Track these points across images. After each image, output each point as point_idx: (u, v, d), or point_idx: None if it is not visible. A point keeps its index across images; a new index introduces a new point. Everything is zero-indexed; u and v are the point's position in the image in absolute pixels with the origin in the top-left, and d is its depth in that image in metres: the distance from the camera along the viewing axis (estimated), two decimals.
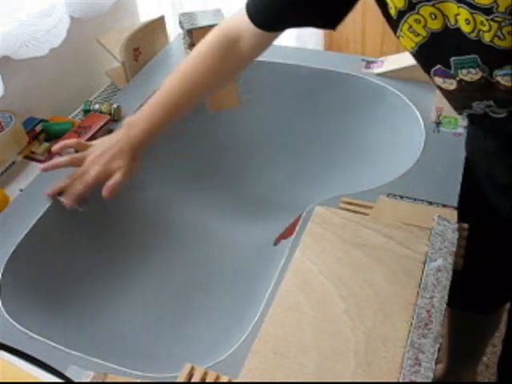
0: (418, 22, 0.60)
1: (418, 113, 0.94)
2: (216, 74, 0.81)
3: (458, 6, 0.55)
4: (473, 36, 0.56)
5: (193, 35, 1.06)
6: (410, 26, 0.61)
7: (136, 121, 0.81)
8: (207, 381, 0.57)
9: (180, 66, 0.82)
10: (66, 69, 1.11)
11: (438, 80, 0.66)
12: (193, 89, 0.81)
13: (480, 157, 0.83)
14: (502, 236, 0.87)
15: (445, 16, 0.58)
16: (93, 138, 0.90)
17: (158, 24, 1.16)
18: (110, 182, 0.77)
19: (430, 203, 0.77)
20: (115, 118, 0.97)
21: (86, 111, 1.00)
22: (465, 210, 0.76)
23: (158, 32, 1.16)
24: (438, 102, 0.91)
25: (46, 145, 0.94)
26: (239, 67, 0.83)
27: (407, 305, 0.63)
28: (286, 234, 0.84)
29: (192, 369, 0.58)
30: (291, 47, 1.29)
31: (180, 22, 1.11)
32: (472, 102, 0.66)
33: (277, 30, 0.76)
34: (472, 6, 0.53)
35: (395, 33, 0.64)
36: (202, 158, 1.11)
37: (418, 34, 0.61)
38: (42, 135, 0.97)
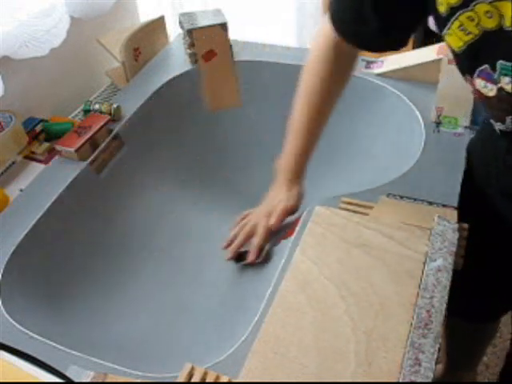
0: (471, 19, 0.56)
1: (418, 113, 0.94)
2: (337, 85, 0.83)
3: None
4: None
5: (193, 35, 1.06)
6: (462, 24, 0.57)
7: (284, 164, 0.88)
8: (207, 381, 0.57)
9: (301, 90, 0.84)
10: (66, 69, 1.11)
11: (480, 83, 0.62)
12: (321, 109, 0.84)
13: (494, 166, 0.81)
14: (502, 239, 0.86)
15: (501, 16, 0.54)
16: (93, 137, 0.90)
17: (158, 24, 1.16)
18: (284, 218, 0.85)
19: (430, 203, 0.77)
20: (115, 118, 0.97)
21: (86, 111, 1.00)
22: (465, 210, 0.76)
23: (158, 32, 1.16)
24: (438, 102, 0.91)
25: (46, 145, 0.94)
26: (352, 66, 0.84)
27: (407, 305, 0.63)
28: (285, 234, 0.84)
29: (192, 369, 0.58)
30: (291, 47, 1.29)
31: (180, 22, 1.11)
32: (507, 115, 0.64)
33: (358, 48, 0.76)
34: None
35: (441, 31, 0.61)
36: (202, 158, 1.11)
37: (469, 33, 0.57)
38: (42, 135, 0.97)
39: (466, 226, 0.73)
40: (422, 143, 0.88)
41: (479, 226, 0.75)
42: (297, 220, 0.80)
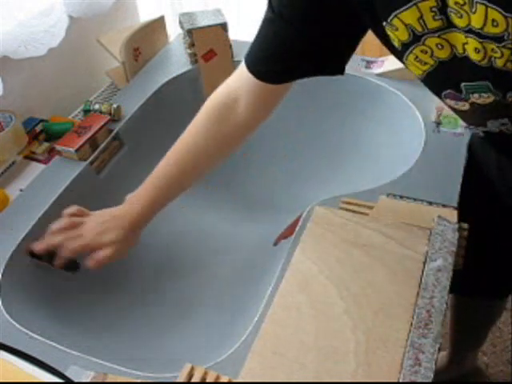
0: (424, 52, 0.58)
1: (418, 113, 0.94)
2: (213, 143, 0.76)
3: (466, 36, 0.53)
4: (483, 63, 0.54)
5: (193, 35, 1.06)
6: (417, 56, 0.59)
7: (135, 198, 0.78)
8: (207, 381, 0.57)
9: (180, 137, 0.78)
10: (65, 69, 1.11)
11: (450, 102, 0.64)
12: (191, 161, 0.77)
13: (491, 164, 0.83)
14: (504, 232, 0.87)
15: (452, 45, 0.56)
16: (93, 137, 0.90)
17: (158, 24, 1.16)
18: (99, 255, 0.73)
19: (430, 203, 0.77)
20: (115, 118, 0.97)
21: (86, 111, 1.00)
22: (465, 210, 0.76)
23: (157, 32, 1.16)
24: (438, 102, 0.91)
25: (45, 145, 0.94)
26: (238, 132, 0.78)
27: (407, 305, 0.63)
28: (285, 234, 0.84)
29: (192, 369, 0.58)
30: None
31: (180, 22, 1.11)
32: (486, 120, 0.65)
33: (280, 82, 0.71)
34: (481, 36, 0.51)
35: (400, 60, 0.62)
36: None
37: (426, 63, 0.59)
38: (42, 135, 0.97)
39: (466, 225, 0.73)
40: (422, 143, 0.88)
41: (479, 226, 0.76)
42: (297, 220, 0.80)
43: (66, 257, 0.74)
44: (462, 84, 0.59)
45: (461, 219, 0.74)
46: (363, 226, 0.73)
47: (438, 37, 0.55)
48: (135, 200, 0.77)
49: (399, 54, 0.61)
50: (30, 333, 0.65)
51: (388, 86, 1.00)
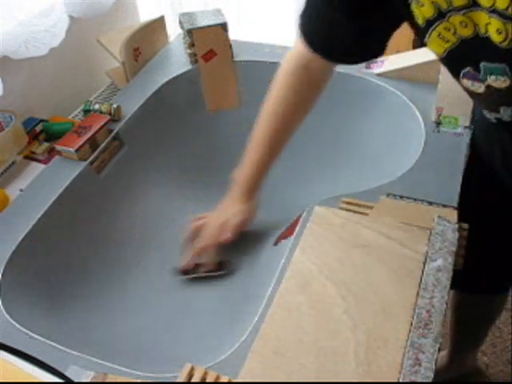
0: (447, 29, 0.59)
1: (417, 113, 0.94)
2: (297, 101, 0.82)
3: (489, 16, 0.54)
4: (504, 45, 0.55)
5: (193, 35, 1.06)
6: (440, 33, 0.60)
7: (241, 176, 0.88)
8: (207, 381, 0.57)
9: (267, 103, 0.84)
10: (66, 69, 1.11)
11: (467, 83, 0.65)
12: (285, 125, 0.84)
13: (495, 156, 0.84)
14: (504, 231, 0.88)
15: (475, 25, 0.57)
16: (93, 137, 0.90)
17: (158, 24, 1.16)
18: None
19: (430, 203, 0.77)
20: (115, 118, 0.97)
21: (86, 111, 1.00)
22: (465, 210, 0.76)
23: (157, 32, 1.16)
24: (438, 101, 0.91)
25: (45, 145, 0.95)
26: (325, 82, 0.84)
27: (407, 305, 0.63)
28: (285, 234, 0.84)
29: (192, 369, 0.58)
30: (291, 47, 1.29)
31: (180, 22, 1.11)
32: (499, 106, 0.66)
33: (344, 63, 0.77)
34: (504, 17, 0.52)
35: (422, 39, 0.63)
36: (202, 158, 1.11)
37: (448, 41, 0.60)
38: (42, 135, 0.97)
39: (466, 225, 0.73)
40: (422, 143, 0.88)
41: (479, 226, 0.76)
42: (297, 220, 0.80)
43: (209, 264, 0.87)
44: (482, 63, 0.60)
45: (461, 219, 0.74)
46: (363, 226, 0.73)
47: (463, 15, 0.56)
48: (240, 178, 0.88)
49: (422, 33, 0.62)
50: (30, 333, 0.65)
51: (388, 86, 1.00)
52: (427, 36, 0.61)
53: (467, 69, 0.63)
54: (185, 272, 0.89)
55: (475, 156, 0.87)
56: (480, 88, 0.63)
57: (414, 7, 0.59)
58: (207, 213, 0.91)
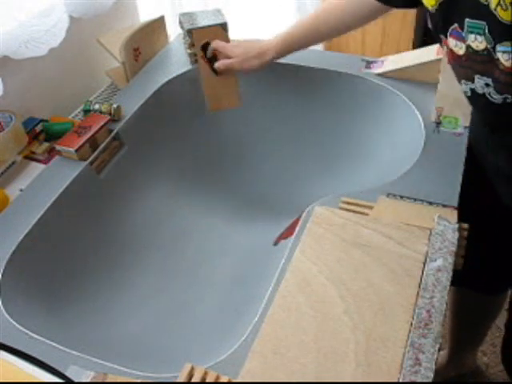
0: None
1: (417, 113, 0.94)
2: (353, 14, 0.90)
3: None
4: (483, 1, 0.60)
5: (193, 35, 1.05)
6: None
7: (276, 38, 0.95)
8: (207, 381, 0.57)
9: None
10: (66, 69, 1.11)
11: (452, 42, 0.69)
12: (323, 18, 0.92)
13: (485, 148, 0.85)
14: (504, 229, 0.88)
15: None
16: (93, 137, 0.90)
17: (158, 24, 1.16)
18: (227, 61, 0.97)
19: (430, 203, 0.77)
20: (115, 118, 0.97)
21: (86, 111, 1.00)
22: (465, 209, 0.76)
23: (157, 32, 1.16)
24: (438, 102, 0.91)
25: (45, 145, 0.95)
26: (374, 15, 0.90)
27: (407, 305, 0.63)
28: (286, 234, 0.84)
29: (192, 369, 0.58)
30: None
31: (180, 22, 1.11)
32: (474, 74, 0.69)
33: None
34: None
35: None
36: (202, 158, 1.11)
37: None
38: (42, 135, 0.97)
39: (466, 225, 0.73)
40: (422, 143, 0.88)
41: (479, 226, 0.76)
42: (297, 220, 0.80)
43: (221, 67, 0.98)
44: (466, 20, 0.64)
45: (461, 219, 0.74)
46: (363, 226, 0.73)
47: None
48: (275, 40, 0.95)
49: None
50: (30, 333, 0.65)
51: (388, 86, 1.00)
52: None
53: (454, 25, 0.67)
54: (204, 47, 1.00)
55: (474, 156, 0.87)
56: (461, 49, 0.68)
57: None
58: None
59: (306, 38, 0.94)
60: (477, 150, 0.87)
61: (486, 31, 0.63)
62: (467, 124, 0.91)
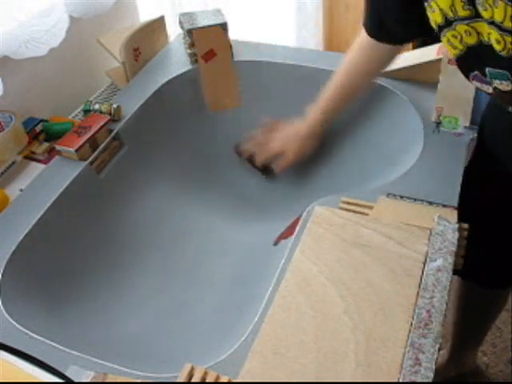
0: (455, 37, 0.65)
1: (418, 113, 0.94)
2: (367, 68, 0.91)
3: (489, 27, 0.59)
4: (504, 54, 0.60)
5: (193, 35, 1.06)
6: (449, 40, 0.66)
7: (311, 111, 0.96)
8: (207, 381, 0.57)
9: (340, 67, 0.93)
10: (66, 69, 1.11)
11: (476, 84, 0.70)
12: (354, 77, 0.92)
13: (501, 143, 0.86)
14: (504, 229, 0.88)
15: (479, 33, 0.62)
16: (93, 137, 0.90)
17: (158, 24, 1.16)
18: (283, 164, 1.00)
19: (430, 203, 0.77)
20: (115, 118, 0.97)
21: (86, 111, 1.00)
22: (465, 209, 0.76)
23: (157, 32, 1.16)
24: (438, 102, 0.91)
25: (45, 145, 0.95)
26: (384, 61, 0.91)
27: (407, 305, 0.63)
28: (286, 234, 0.84)
29: (192, 369, 0.58)
30: (291, 47, 1.29)
31: (180, 22, 1.11)
32: (508, 105, 0.72)
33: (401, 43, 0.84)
34: (500, 28, 0.58)
35: (440, 39, 0.69)
36: (202, 158, 1.11)
37: (456, 47, 0.66)
38: (42, 135, 0.97)
39: (466, 225, 0.73)
40: (422, 143, 0.88)
41: (479, 226, 0.76)
42: (297, 220, 0.80)
43: (260, 162, 1.02)
44: (487, 69, 0.65)
45: (461, 219, 0.74)
46: (363, 226, 0.73)
47: (467, 25, 0.62)
48: (310, 114, 0.96)
49: (437, 35, 0.68)
50: (30, 333, 0.65)
51: (388, 86, 1.00)
52: (441, 39, 0.67)
53: (475, 72, 0.68)
54: (239, 153, 1.04)
55: (478, 154, 0.87)
56: (489, 89, 0.68)
57: (428, 11, 0.65)
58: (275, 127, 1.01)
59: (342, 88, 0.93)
60: (493, 144, 0.87)
61: (510, 77, 0.63)
62: (467, 124, 0.91)
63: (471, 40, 0.63)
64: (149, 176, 1.02)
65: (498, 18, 0.57)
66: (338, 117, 0.96)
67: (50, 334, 0.67)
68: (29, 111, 1.00)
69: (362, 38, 0.87)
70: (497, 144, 0.86)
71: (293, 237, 0.75)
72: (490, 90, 0.69)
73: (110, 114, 0.96)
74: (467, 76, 0.71)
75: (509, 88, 0.65)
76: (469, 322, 1.24)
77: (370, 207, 0.76)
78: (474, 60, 0.66)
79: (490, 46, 0.61)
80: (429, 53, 1.00)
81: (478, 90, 0.74)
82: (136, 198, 0.99)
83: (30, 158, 0.93)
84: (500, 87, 0.66)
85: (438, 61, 0.92)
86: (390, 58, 0.89)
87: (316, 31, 1.73)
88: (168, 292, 0.90)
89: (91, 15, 1.08)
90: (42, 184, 0.85)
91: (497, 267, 1.01)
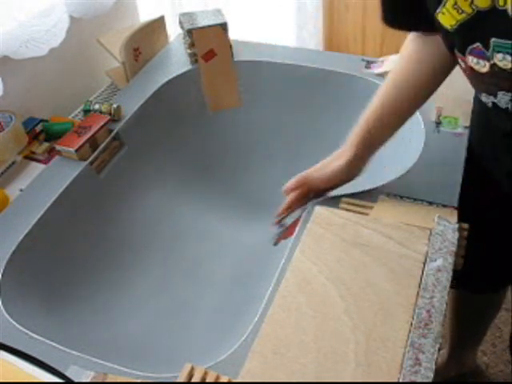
0: None
1: (418, 113, 0.94)
2: (412, 85, 0.81)
3: None
4: None
5: (193, 35, 1.06)
6: (456, 3, 0.58)
7: (343, 150, 0.85)
8: (207, 381, 0.57)
9: (383, 87, 0.83)
10: (66, 69, 1.11)
11: (472, 60, 0.63)
12: (393, 103, 0.82)
13: (491, 151, 0.83)
14: (504, 229, 0.88)
15: None
16: (93, 137, 0.90)
17: (158, 24, 1.16)
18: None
19: (430, 203, 0.77)
20: (115, 118, 0.97)
21: (86, 111, 1.00)
22: (465, 210, 0.76)
23: (157, 32, 1.16)
24: (438, 102, 0.91)
25: (45, 145, 0.95)
26: (433, 77, 0.82)
27: (407, 305, 0.63)
28: (286, 234, 0.84)
29: (192, 369, 0.58)
30: (291, 47, 1.29)
31: (180, 22, 1.11)
32: (498, 90, 0.65)
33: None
34: None
35: (435, 10, 0.62)
36: (202, 158, 1.11)
37: (463, 12, 0.59)
38: (42, 135, 0.97)
39: (466, 225, 0.73)
40: (422, 143, 0.88)
41: (479, 226, 0.76)
42: (297, 220, 0.80)
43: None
44: (492, 39, 0.59)
45: (461, 219, 0.74)
46: (363, 226, 0.73)
47: None
48: (341, 153, 0.84)
49: (437, 1, 0.61)
50: (30, 333, 0.65)
51: None
52: (442, 5, 0.60)
53: (476, 44, 0.61)
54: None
55: (474, 155, 0.87)
56: (484, 67, 0.62)
57: None
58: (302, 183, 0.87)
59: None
60: (479, 152, 0.86)
61: None
62: (467, 124, 0.91)
63: (484, 3, 0.56)
64: (149, 176, 1.02)
65: None
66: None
67: (49, 333, 0.67)
68: (29, 111, 1.00)
69: (403, 50, 0.79)
70: (484, 144, 0.85)
71: (293, 237, 0.75)
72: (485, 68, 0.62)
73: (110, 114, 0.96)
74: (464, 49, 0.64)
75: (508, 66, 0.59)
76: (467, 325, 1.24)
77: (370, 207, 0.76)
78: (479, 28, 0.59)
79: (504, 12, 0.54)
80: None
81: (464, 70, 0.66)
82: (136, 197, 0.99)
83: (30, 158, 0.93)
84: (500, 64, 0.60)
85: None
86: (441, 64, 0.79)
87: (316, 31, 1.73)
88: (168, 292, 0.90)
89: (91, 15, 1.08)
90: (42, 184, 0.85)
91: (495, 270, 1.00)
